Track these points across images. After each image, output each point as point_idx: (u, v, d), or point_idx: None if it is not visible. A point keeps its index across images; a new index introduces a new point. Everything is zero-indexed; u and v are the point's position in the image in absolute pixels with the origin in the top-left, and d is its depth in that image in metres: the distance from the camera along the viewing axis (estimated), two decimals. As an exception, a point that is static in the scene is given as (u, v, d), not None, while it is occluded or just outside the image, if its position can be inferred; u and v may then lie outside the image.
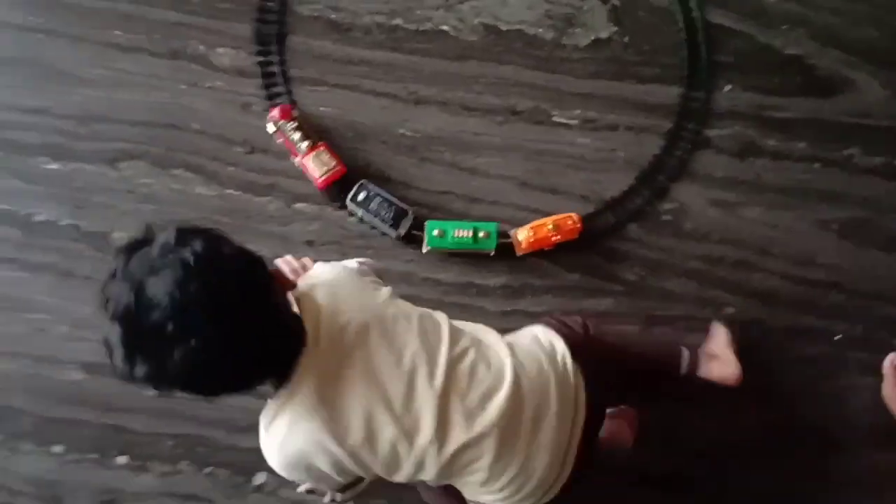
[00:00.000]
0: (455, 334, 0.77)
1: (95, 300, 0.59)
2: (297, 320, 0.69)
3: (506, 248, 1.09)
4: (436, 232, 1.07)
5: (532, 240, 1.08)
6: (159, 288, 0.58)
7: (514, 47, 1.21)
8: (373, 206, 1.08)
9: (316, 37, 1.18)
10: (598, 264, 1.12)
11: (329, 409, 0.69)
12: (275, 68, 1.15)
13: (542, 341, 0.83)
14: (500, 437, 0.74)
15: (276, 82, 1.14)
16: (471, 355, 0.76)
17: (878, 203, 1.19)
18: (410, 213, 1.08)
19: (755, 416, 1.07)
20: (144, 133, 1.11)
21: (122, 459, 1.04)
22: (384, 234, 1.09)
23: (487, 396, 0.74)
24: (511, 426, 0.75)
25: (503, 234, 1.10)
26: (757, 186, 1.18)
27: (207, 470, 1.03)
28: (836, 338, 1.11)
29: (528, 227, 1.09)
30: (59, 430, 1.05)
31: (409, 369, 0.71)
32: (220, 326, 0.60)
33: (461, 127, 1.16)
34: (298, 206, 1.10)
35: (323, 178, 1.07)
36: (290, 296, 0.71)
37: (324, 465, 0.71)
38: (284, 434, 0.69)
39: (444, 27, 1.21)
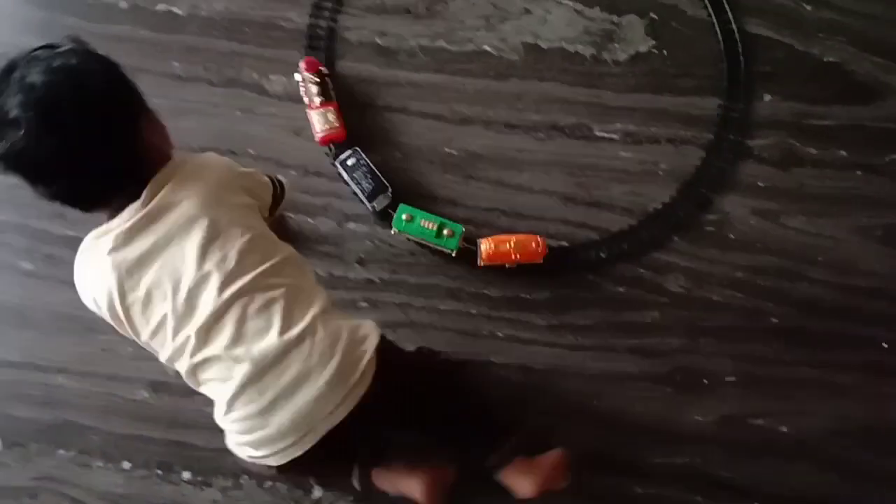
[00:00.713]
0: (283, 270, 0.81)
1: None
2: (144, 170, 0.77)
3: (470, 254, 1.12)
4: (405, 216, 1.10)
5: (491, 252, 1.10)
6: (30, 76, 0.68)
7: (555, 64, 1.24)
8: (357, 173, 1.13)
9: (363, 61, 1.23)
10: (643, 276, 1.14)
11: (128, 261, 0.77)
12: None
13: (360, 331, 0.85)
14: (252, 374, 0.77)
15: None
16: (278, 292, 0.79)
17: (920, 208, 1.20)
18: (389, 191, 1.13)
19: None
20: (203, 158, 1.16)
21: (186, 475, 1.08)
22: (364, 203, 1.14)
23: (263, 332, 0.78)
24: (270, 372, 0.77)
25: (471, 241, 1.12)
26: (799, 195, 1.19)
27: (268, 484, 1.07)
28: (884, 345, 1.12)
29: (490, 239, 1.11)
30: (126, 447, 1.10)
31: (209, 270, 0.77)
32: (61, 128, 0.69)
33: (505, 144, 1.19)
34: (350, 225, 1.15)
35: (322, 133, 1.14)
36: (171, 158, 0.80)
37: (103, 304, 0.79)
38: (84, 261, 0.79)
39: (486, 47, 1.24)
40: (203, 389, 0.83)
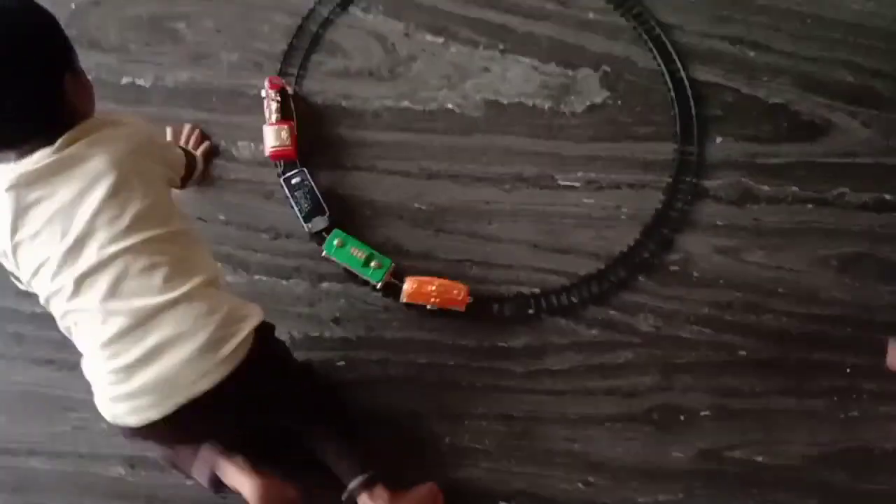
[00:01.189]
0: (176, 239, 0.85)
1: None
2: (61, 120, 0.80)
3: (396, 290, 1.15)
4: (337, 241, 1.14)
5: (412, 291, 1.13)
6: None
7: (516, 118, 1.28)
8: (298, 192, 1.17)
9: (329, 124, 1.25)
10: (614, 318, 1.17)
11: (26, 201, 0.79)
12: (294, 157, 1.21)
13: (242, 310, 0.88)
14: (124, 328, 0.80)
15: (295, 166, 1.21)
16: (164, 258, 0.82)
17: (873, 236, 1.25)
18: (327, 214, 1.16)
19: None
20: (174, 227, 1.17)
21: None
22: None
23: (142, 291, 0.81)
24: (142, 328, 0.81)
25: (399, 276, 1.15)
26: (757, 231, 1.24)
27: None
28: (847, 370, 1.16)
29: (416, 279, 1.14)
30: (105, 524, 1.08)
31: (100, 224, 0.80)
32: None
33: (472, 196, 1.23)
34: (324, 285, 1.16)
35: (272, 149, 1.18)
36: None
37: None
38: None
39: (449, 105, 1.28)
40: (74, 338, 0.85)
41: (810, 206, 1.27)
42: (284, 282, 1.15)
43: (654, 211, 1.24)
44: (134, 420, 0.82)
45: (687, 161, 1.27)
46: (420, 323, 1.15)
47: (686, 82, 1.32)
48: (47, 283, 0.81)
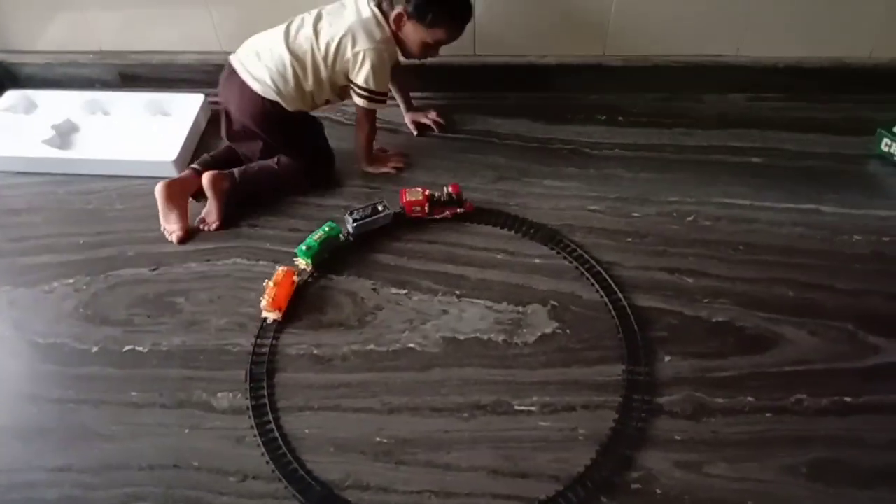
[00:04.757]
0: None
1: None
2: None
3: None
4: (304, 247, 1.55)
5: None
6: None
7: (472, 352, 1.39)
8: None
9: (301, 371, 1.38)
10: (579, 543, 1.14)
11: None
12: (264, 401, 1.32)
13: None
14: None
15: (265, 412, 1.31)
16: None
17: (839, 440, 1.24)
18: None
19: None
20: (150, 476, 1.24)
21: None
22: None
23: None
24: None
25: None
26: (716, 443, 1.24)
27: None
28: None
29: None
30: None
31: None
32: None
33: (432, 427, 1.28)
34: (285, 523, 1.18)
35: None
36: None
37: None
38: None
39: (411, 345, 1.41)
40: None
41: (769, 414, 1.28)
42: (248, 524, 1.18)
43: (610, 430, 1.26)
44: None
45: (636, 381, 1.33)
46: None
47: (629, 310, 1.43)
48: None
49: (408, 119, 1.88)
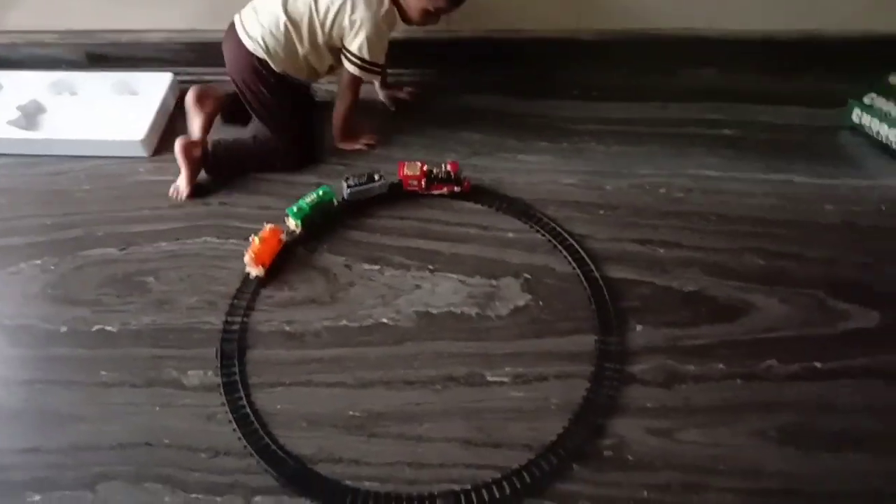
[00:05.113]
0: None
1: None
2: None
3: None
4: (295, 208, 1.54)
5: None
6: None
7: (445, 325, 1.39)
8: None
9: (272, 347, 1.37)
10: (552, 510, 1.14)
11: None
12: (236, 378, 1.31)
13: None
14: None
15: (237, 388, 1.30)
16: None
17: (808, 405, 1.25)
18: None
19: None
20: (121, 454, 1.23)
21: None
22: None
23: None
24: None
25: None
26: (688, 410, 1.25)
27: None
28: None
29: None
30: None
31: None
32: None
33: (405, 400, 1.28)
34: (257, 499, 1.17)
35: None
36: None
37: None
38: None
39: (384, 320, 1.40)
40: None
41: (739, 381, 1.29)
42: (219, 498, 1.17)
43: (582, 399, 1.27)
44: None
45: (608, 350, 1.33)
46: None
47: (601, 281, 1.44)
48: None
49: (383, 95, 1.86)
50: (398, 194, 1.63)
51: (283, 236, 1.51)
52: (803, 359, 1.32)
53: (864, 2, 1.83)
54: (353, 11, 1.53)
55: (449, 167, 1.60)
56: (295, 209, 1.54)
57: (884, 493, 1.14)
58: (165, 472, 1.21)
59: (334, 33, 1.57)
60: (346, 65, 1.61)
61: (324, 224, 1.57)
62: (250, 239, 1.47)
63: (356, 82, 1.65)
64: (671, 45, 1.92)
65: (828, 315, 1.39)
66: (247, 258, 1.45)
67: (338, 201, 1.60)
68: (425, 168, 1.60)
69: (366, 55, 1.57)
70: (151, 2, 1.89)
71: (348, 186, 1.59)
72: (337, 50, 1.62)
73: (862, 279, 1.44)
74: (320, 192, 1.56)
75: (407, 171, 1.60)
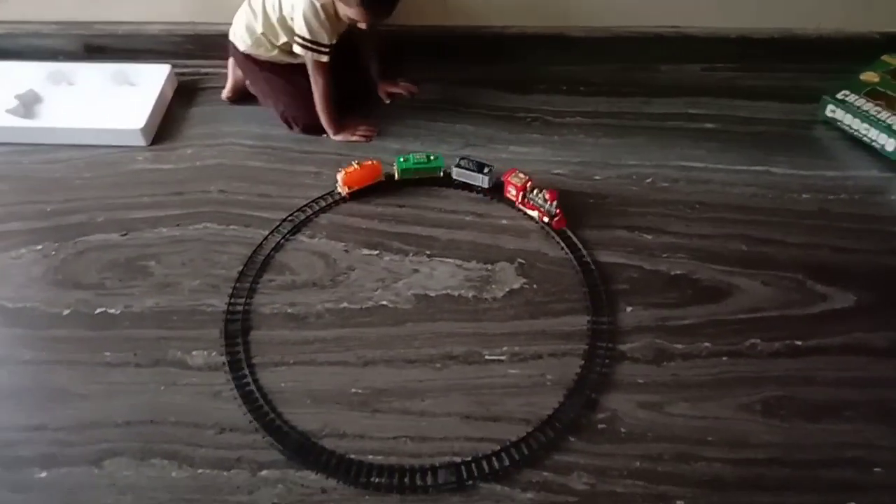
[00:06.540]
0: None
1: None
2: None
3: None
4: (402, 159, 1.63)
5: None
6: None
7: (443, 307, 1.43)
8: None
9: (275, 328, 1.40)
10: (548, 479, 1.19)
11: None
12: (240, 357, 1.34)
13: None
14: None
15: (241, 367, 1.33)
16: None
17: (790, 379, 1.32)
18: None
19: None
20: (127, 431, 1.25)
21: None
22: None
23: None
24: None
25: None
26: (677, 385, 1.31)
27: None
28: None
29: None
30: None
31: None
32: None
33: (406, 378, 1.32)
34: (263, 473, 1.20)
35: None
36: None
37: None
38: None
39: (384, 302, 1.44)
40: None
41: (725, 358, 1.35)
42: (226, 472, 1.20)
43: (576, 375, 1.32)
44: None
45: (600, 330, 1.39)
46: (358, 500, 1.17)
47: (592, 265, 1.49)
48: None
49: (379, 87, 1.91)
50: (378, 187, 1.67)
51: (382, 177, 1.65)
52: (785, 337, 1.38)
53: (837, 2, 1.91)
54: None
55: (548, 195, 1.56)
56: (402, 159, 1.65)
57: (864, 460, 1.21)
58: (172, 447, 1.24)
59: (284, 12, 1.62)
60: (295, 47, 1.65)
61: (415, 183, 1.68)
62: (351, 163, 1.63)
63: (316, 66, 1.67)
64: (656, 42, 1.99)
65: (807, 296, 1.46)
66: (339, 176, 1.60)
67: (443, 172, 1.68)
68: (529, 183, 1.59)
69: (306, 34, 1.60)
70: (149, -6, 1.92)
71: (456, 166, 1.65)
72: (290, 31, 1.66)
73: (838, 263, 1.52)
74: (431, 157, 1.66)
75: (512, 178, 1.61)
